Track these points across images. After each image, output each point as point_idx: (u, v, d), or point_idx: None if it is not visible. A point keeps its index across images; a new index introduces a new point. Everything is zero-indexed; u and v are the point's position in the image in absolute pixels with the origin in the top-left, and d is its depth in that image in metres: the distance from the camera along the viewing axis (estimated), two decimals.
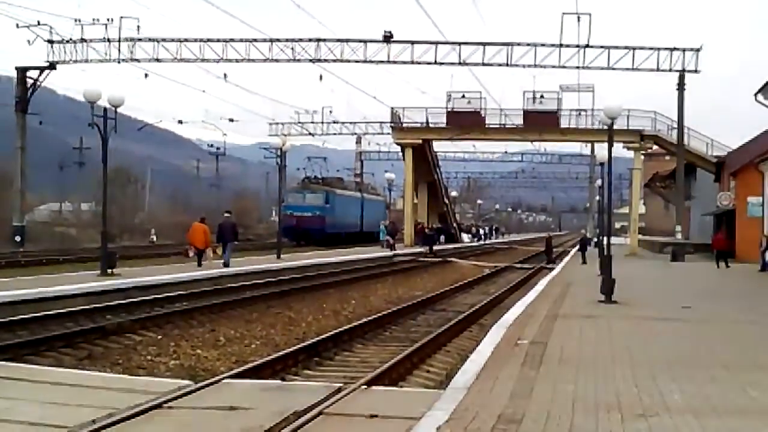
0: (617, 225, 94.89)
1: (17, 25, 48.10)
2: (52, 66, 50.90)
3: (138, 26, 48.44)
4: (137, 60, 50.20)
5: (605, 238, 25.26)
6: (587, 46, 48.08)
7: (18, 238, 50.17)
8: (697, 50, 49.09)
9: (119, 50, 49.68)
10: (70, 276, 24.63)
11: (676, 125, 51.42)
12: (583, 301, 20.18)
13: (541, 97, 54.74)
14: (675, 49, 48.93)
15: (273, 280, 28.58)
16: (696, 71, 49.07)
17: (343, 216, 63.16)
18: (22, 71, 51.75)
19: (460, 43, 50.04)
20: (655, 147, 57.66)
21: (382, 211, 67.64)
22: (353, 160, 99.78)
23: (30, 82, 51.64)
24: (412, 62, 50.11)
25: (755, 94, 35.31)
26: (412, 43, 50.07)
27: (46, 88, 55.33)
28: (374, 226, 61.63)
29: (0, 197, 60.55)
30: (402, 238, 60.37)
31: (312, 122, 74.11)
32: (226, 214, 33.96)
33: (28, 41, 48.99)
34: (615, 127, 23.25)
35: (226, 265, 29.92)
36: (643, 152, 58.33)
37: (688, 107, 50.19)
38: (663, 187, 78.48)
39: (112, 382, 10.60)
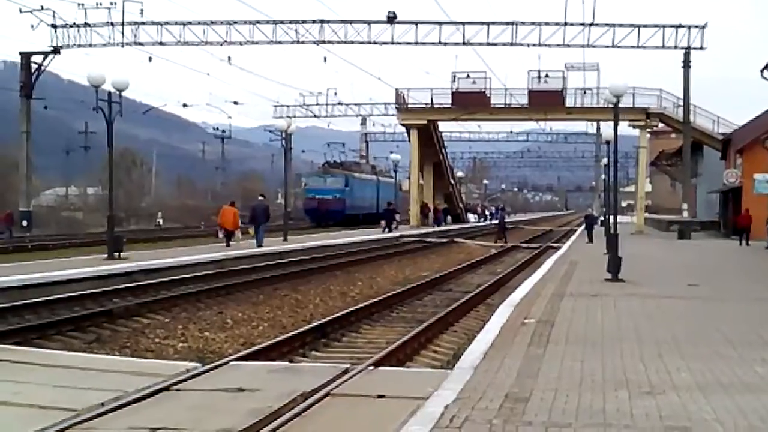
0: (623, 203, 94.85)
1: (20, 10, 48.15)
2: (55, 51, 50.89)
3: (141, 10, 48.48)
4: (141, 43, 50.18)
5: (611, 217, 25.22)
6: (592, 24, 47.98)
7: (25, 223, 50.33)
8: (703, 27, 48.94)
9: (123, 34, 49.70)
10: (77, 260, 24.69)
11: (681, 103, 51.24)
12: (590, 280, 20.17)
13: (546, 76, 54.49)
14: (680, 26, 48.77)
15: (280, 262, 28.63)
16: (701, 48, 48.93)
17: (361, 198, 64.46)
18: (26, 56, 51.76)
19: (464, 23, 49.93)
20: (660, 125, 57.43)
21: (398, 193, 68.07)
22: (358, 142, 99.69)
23: (34, 67, 51.68)
24: (417, 43, 50.01)
25: (761, 71, 35.16)
26: (416, 23, 49.94)
27: (50, 72, 55.42)
28: None
29: (6, 182, 60.74)
30: (407, 219, 60.50)
31: (317, 104, 74.17)
32: (260, 197, 36.28)
33: (32, 26, 49.03)
34: (620, 105, 23.16)
35: (259, 245, 31.42)
36: (649, 130, 58.14)
37: (693, 84, 50.08)
38: (669, 165, 78.25)
39: (121, 365, 10.63)
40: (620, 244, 21.34)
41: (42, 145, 62.18)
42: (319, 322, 15.17)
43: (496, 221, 54.26)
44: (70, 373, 9.90)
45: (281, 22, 50.22)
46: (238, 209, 34.42)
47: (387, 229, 50.10)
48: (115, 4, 48.56)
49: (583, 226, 48.11)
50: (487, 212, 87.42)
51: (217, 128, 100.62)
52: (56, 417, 7.72)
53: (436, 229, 56.41)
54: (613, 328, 12.50)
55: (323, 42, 50.39)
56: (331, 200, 65.45)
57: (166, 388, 8.96)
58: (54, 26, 49.89)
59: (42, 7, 48.95)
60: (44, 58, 51.48)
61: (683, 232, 46.11)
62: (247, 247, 30.93)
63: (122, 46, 50.07)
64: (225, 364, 10.57)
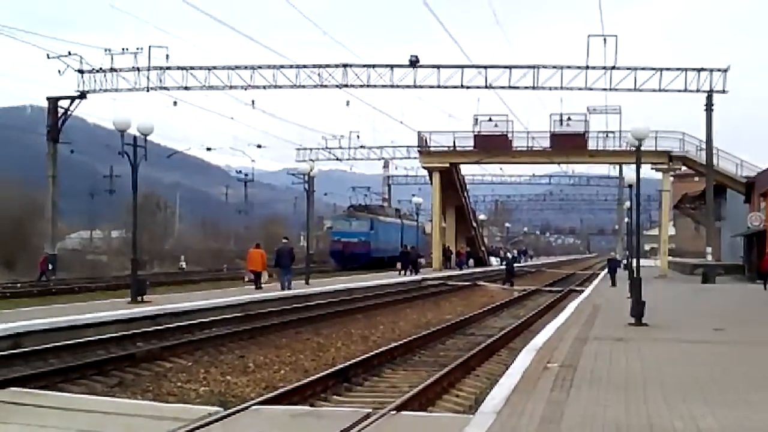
0: (647, 247, 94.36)
1: (48, 56, 48.76)
2: (82, 95, 51.52)
3: (167, 55, 48.97)
4: (166, 88, 50.73)
5: (635, 260, 25.08)
6: (614, 67, 47.99)
7: (50, 266, 50.60)
8: (725, 70, 48.84)
9: (148, 79, 50.23)
10: (101, 303, 24.79)
11: (704, 146, 51.09)
12: (613, 324, 20.04)
13: (568, 119, 54.55)
14: (702, 69, 48.69)
15: (302, 305, 28.65)
16: (724, 91, 48.79)
17: (385, 241, 64.91)
18: (53, 101, 52.40)
19: (486, 67, 50.08)
20: (683, 168, 57.23)
21: (421, 236, 68.34)
22: (381, 185, 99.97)
23: (61, 111, 52.25)
24: (439, 86, 50.21)
25: None
26: (439, 67, 50.20)
27: (76, 117, 56.00)
28: None
29: (32, 226, 61.18)
30: (429, 262, 60.51)
31: (339, 147, 74.46)
32: (284, 240, 36.44)
33: (59, 71, 49.65)
34: (643, 148, 23.12)
35: (288, 288, 31.63)
36: (672, 173, 57.98)
37: (716, 127, 49.90)
38: (692, 208, 77.92)
39: (143, 410, 10.66)
40: (644, 288, 21.21)
41: (67, 188, 62.75)
42: (341, 365, 15.13)
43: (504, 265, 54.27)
44: (91, 418, 9.92)
45: (304, 66, 50.66)
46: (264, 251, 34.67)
47: (403, 272, 50.22)
48: (141, 49, 49.22)
49: (606, 270, 47.86)
50: (509, 255, 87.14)
51: (240, 171, 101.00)
52: None
53: (459, 272, 56.33)
54: (637, 372, 12.40)
55: (346, 86, 50.74)
56: (356, 243, 66.49)
57: None
58: (81, 71, 50.56)
59: (69, 52, 49.66)
60: (71, 103, 52.11)
61: (707, 276, 45.75)
62: (272, 290, 31.12)
63: (147, 90, 50.61)
64: (246, 408, 10.55)
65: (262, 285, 32.22)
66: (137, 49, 49.36)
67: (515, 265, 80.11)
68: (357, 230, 67.64)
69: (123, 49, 49.81)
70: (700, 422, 8.76)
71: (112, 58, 49.80)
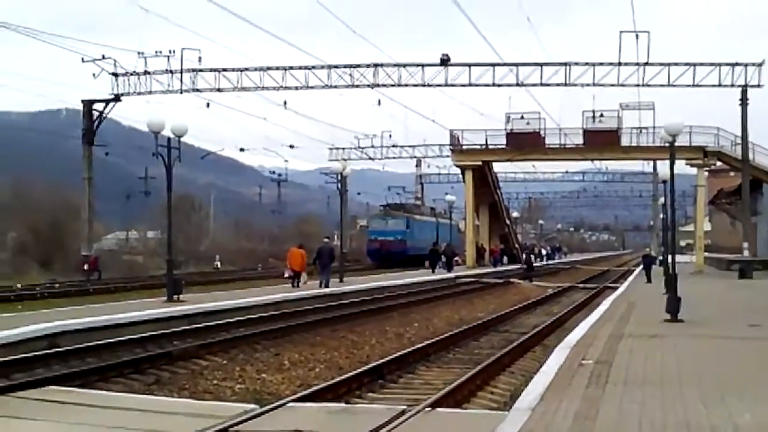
0: (682, 243, 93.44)
1: (83, 60, 49.22)
2: (116, 98, 51.95)
3: (199, 57, 49.21)
4: (199, 90, 51.01)
5: (670, 256, 24.89)
6: (647, 63, 47.59)
7: (86, 267, 51.13)
8: (760, 64, 48.30)
9: (181, 81, 50.54)
10: (137, 303, 25.03)
11: (739, 140, 50.57)
12: (649, 321, 19.91)
13: (601, 115, 54.18)
14: (737, 64, 48.19)
15: (337, 303, 28.76)
16: (759, 86, 48.25)
17: (421, 239, 65.10)
18: (88, 104, 52.90)
19: (517, 65, 49.87)
20: (719, 163, 56.65)
21: (455, 234, 68.49)
22: (413, 183, 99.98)
23: (96, 114, 52.75)
24: (470, 85, 50.07)
25: None
26: (470, 65, 50.06)
27: (111, 119, 56.49)
28: None
29: (69, 227, 61.89)
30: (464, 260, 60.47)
31: (371, 146, 74.55)
32: (325, 240, 37.70)
33: (93, 75, 50.05)
34: (677, 144, 22.99)
35: (325, 286, 32.40)
36: (707, 169, 57.41)
37: (751, 121, 49.35)
38: (728, 203, 77.00)
39: (179, 407, 10.76)
40: (679, 284, 21.06)
41: (103, 190, 63.33)
42: (376, 363, 15.18)
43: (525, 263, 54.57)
44: (129, 416, 10.03)
45: (336, 66, 50.71)
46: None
47: (432, 270, 50.45)
48: (174, 52, 49.50)
49: (641, 266, 47.54)
50: (543, 252, 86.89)
51: (274, 171, 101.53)
52: None
53: (492, 269, 56.23)
54: (672, 369, 12.32)
55: (377, 85, 50.74)
56: (392, 241, 67.49)
57: (225, 430, 9.04)
58: (115, 74, 50.97)
59: (103, 56, 50.04)
60: (105, 106, 52.57)
61: (744, 272, 45.24)
62: (309, 288, 31.50)
63: (181, 92, 50.93)
64: (282, 405, 10.63)
65: (300, 285, 32.55)
66: (170, 51, 49.70)
67: (546, 260, 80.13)
68: (393, 229, 68.67)
69: (156, 52, 50.20)
70: (737, 419, 8.69)
71: (145, 61, 50.18)
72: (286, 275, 34.07)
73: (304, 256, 33.89)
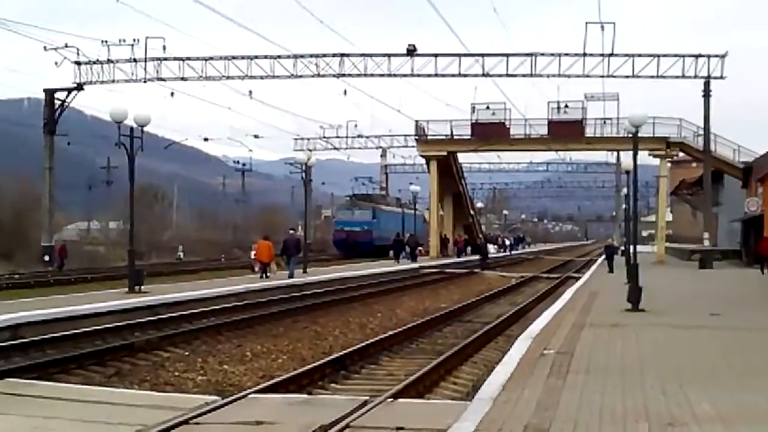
0: (644, 233, 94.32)
1: (45, 48, 48.63)
2: (79, 87, 51.40)
3: (164, 46, 48.83)
4: (163, 79, 50.65)
5: (632, 247, 25.11)
6: (611, 54, 47.94)
7: (47, 258, 50.61)
8: (722, 56, 48.83)
9: (145, 70, 50.16)
10: (98, 294, 24.79)
11: (702, 132, 51.09)
12: (610, 310, 20.06)
13: (566, 106, 54.48)
14: (700, 55, 48.69)
15: (300, 294, 28.70)
16: (721, 77, 48.79)
17: (387, 230, 65.29)
18: (50, 93, 52.30)
19: (483, 55, 50.01)
20: (681, 154, 57.21)
21: (420, 224, 68.72)
22: (378, 174, 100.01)
23: (58, 103, 52.17)
24: (436, 75, 50.18)
25: None
26: (436, 55, 50.13)
27: (73, 108, 55.95)
28: None
29: (29, 217, 61.19)
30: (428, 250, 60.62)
31: (337, 137, 74.50)
32: (290, 231, 38.20)
33: (56, 63, 49.50)
34: (640, 134, 23.19)
35: (291, 276, 32.59)
36: (669, 159, 57.96)
37: (714, 113, 49.94)
38: (690, 194, 77.84)
39: (140, 399, 10.68)
40: (641, 274, 21.25)
41: (64, 180, 62.72)
42: (339, 354, 15.16)
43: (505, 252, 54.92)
44: (89, 408, 9.93)
45: (301, 56, 50.56)
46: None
47: (396, 260, 50.59)
48: (138, 40, 49.07)
49: (604, 257, 47.93)
50: (507, 242, 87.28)
51: (238, 162, 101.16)
52: None
53: (456, 260, 56.40)
54: (633, 358, 12.41)
55: (343, 75, 50.68)
56: (359, 232, 68.17)
57: (185, 422, 8.97)
58: (78, 63, 50.43)
59: (66, 44, 49.51)
60: (68, 95, 52.00)
61: (704, 262, 45.77)
62: (277, 279, 31.62)
63: (144, 81, 50.54)
64: (244, 397, 10.58)
65: (269, 275, 32.77)
66: (134, 40, 49.28)
67: (510, 250, 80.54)
68: (360, 219, 69.36)
69: (120, 40, 49.75)
70: (696, 408, 8.77)
71: (108, 50, 49.73)
72: (256, 269, 34.17)
73: (272, 248, 33.92)
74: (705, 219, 54.16)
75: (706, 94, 49.24)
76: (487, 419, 8.23)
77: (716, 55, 48.79)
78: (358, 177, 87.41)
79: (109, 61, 50.06)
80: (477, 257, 53.70)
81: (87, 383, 12.90)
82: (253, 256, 35.67)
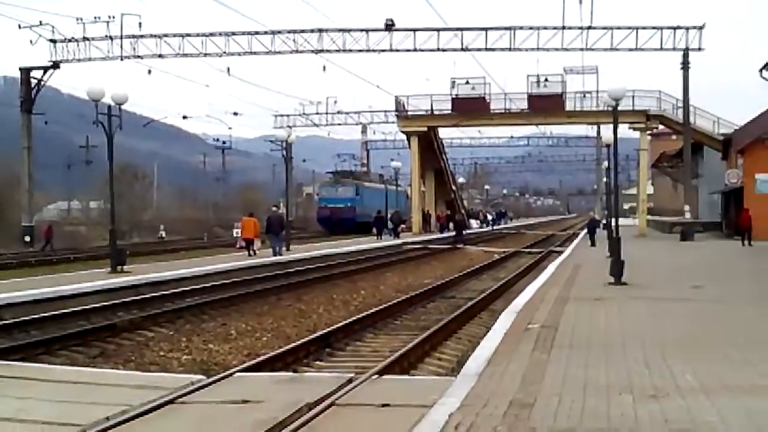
0: (626, 206, 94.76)
1: (20, 26, 48.21)
2: (55, 65, 50.96)
3: (140, 23, 48.57)
4: (140, 57, 50.27)
5: (613, 220, 25.21)
6: (590, 27, 47.95)
7: (27, 238, 50.32)
8: (701, 28, 48.94)
9: (122, 47, 49.79)
10: (81, 274, 24.70)
11: (681, 104, 51.25)
12: (593, 284, 20.16)
13: (545, 80, 54.53)
14: (678, 27, 48.77)
15: (284, 272, 28.68)
16: (700, 49, 48.91)
17: (371, 206, 65.41)
18: (26, 72, 51.83)
19: (462, 29, 49.93)
20: (661, 127, 57.39)
21: (403, 201, 68.85)
22: (359, 150, 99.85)
23: (34, 82, 51.74)
24: (415, 50, 50.08)
25: (760, 70, 35.18)
26: (414, 30, 50.00)
27: (50, 87, 55.52)
28: None
29: (8, 198, 60.73)
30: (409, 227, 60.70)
31: (317, 113, 74.36)
32: (273, 208, 37.83)
33: (31, 41, 49.13)
34: (620, 107, 23.20)
35: (277, 254, 32.77)
36: (649, 132, 58.14)
37: (693, 85, 50.06)
38: (670, 166, 78.23)
39: (125, 379, 10.65)
40: (623, 247, 21.35)
41: (43, 159, 62.29)
42: (323, 331, 15.18)
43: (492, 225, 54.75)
44: (74, 388, 9.89)
45: (279, 32, 50.32)
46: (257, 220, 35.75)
47: (379, 237, 50.64)
48: (114, 18, 48.69)
49: (586, 230, 48.13)
50: (489, 217, 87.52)
51: (218, 139, 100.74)
52: None
53: (439, 236, 56.49)
54: (616, 331, 12.49)
55: (322, 51, 50.49)
56: (343, 209, 68.40)
57: (171, 401, 8.95)
58: (53, 41, 49.98)
59: (41, 22, 49.12)
60: (44, 73, 51.56)
61: (686, 234, 46.06)
62: (261, 256, 31.85)
63: (121, 59, 50.16)
64: (229, 375, 10.57)
65: (255, 251, 33.06)
66: (109, 17, 48.89)
67: (492, 225, 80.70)
68: (343, 196, 69.65)
69: (95, 17, 49.32)
70: (679, 380, 8.83)
71: (84, 27, 49.36)
72: (238, 245, 34.38)
73: (257, 225, 34.27)
74: (685, 191, 54.45)
75: (685, 66, 49.34)
76: (472, 394, 8.26)
77: (694, 27, 48.91)
78: (340, 154, 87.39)
79: (84, 38, 49.66)
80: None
81: (71, 364, 12.87)
82: (236, 234, 35.89)
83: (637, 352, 10.49)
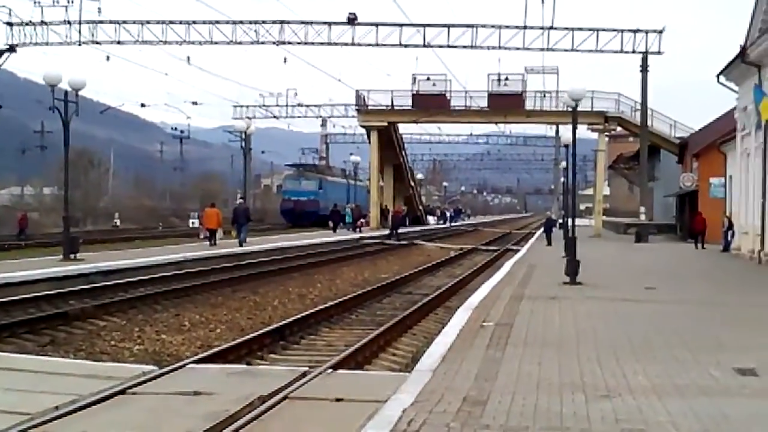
0: (582, 206, 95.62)
1: None
2: (11, 49, 50.04)
3: (99, 8, 47.83)
4: (98, 42, 49.60)
5: (570, 220, 25.39)
6: (551, 28, 48.18)
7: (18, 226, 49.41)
8: (660, 31, 49.37)
9: (80, 33, 49.03)
10: (32, 261, 24.37)
11: (639, 107, 51.76)
12: (548, 283, 20.28)
13: (506, 79, 54.78)
14: (638, 30, 49.17)
15: (239, 264, 28.50)
16: (659, 53, 49.35)
17: (333, 200, 65.38)
18: None
19: (424, 26, 49.93)
20: (619, 128, 57.87)
21: (364, 195, 68.91)
22: (318, 143, 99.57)
23: None
24: (377, 45, 49.96)
25: (717, 76, 35.49)
26: (377, 25, 49.91)
27: (5, 71, 54.61)
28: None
29: None
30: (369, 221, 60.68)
31: (277, 105, 74.03)
32: (239, 200, 39.06)
33: None
34: (579, 108, 23.35)
35: (241, 244, 33.45)
36: (607, 134, 58.60)
37: (651, 88, 50.56)
38: (627, 168, 79.02)
39: (76, 368, 10.50)
40: (578, 247, 21.50)
41: None
42: (278, 324, 15.10)
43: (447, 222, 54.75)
44: (23, 377, 9.75)
45: (241, 22, 49.96)
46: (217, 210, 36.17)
47: (334, 231, 50.60)
48: (72, 2, 47.89)
49: (542, 229, 48.43)
50: (447, 214, 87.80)
51: (176, 128, 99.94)
52: (10, 421, 7.61)
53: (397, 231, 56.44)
54: (570, 331, 12.57)
55: (283, 43, 50.18)
56: (306, 201, 68.78)
57: (122, 392, 8.86)
58: (10, 24, 49.13)
59: None
60: None
61: (640, 236, 46.55)
62: (226, 246, 32.23)
63: (79, 44, 49.43)
64: (182, 367, 10.48)
65: (217, 242, 33.42)
66: (68, 1, 48.08)
67: (449, 222, 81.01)
68: (306, 189, 70.15)
69: (53, 1, 48.46)
70: (631, 380, 8.91)
71: (42, 11, 48.45)
72: (202, 236, 34.60)
73: (219, 215, 34.81)
74: (641, 193, 54.98)
75: (644, 68, 49.78)
76: (426, 390, 8.25)
77: (654, 30, 49.34)
78: (304, 148, 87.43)
79: (42, 22, 48.84)
80: (420, 228, 53.58)
81: (20, 352, 12.68)
82: (194, 224, 36.05)
83: (591, 352, 10.56)
